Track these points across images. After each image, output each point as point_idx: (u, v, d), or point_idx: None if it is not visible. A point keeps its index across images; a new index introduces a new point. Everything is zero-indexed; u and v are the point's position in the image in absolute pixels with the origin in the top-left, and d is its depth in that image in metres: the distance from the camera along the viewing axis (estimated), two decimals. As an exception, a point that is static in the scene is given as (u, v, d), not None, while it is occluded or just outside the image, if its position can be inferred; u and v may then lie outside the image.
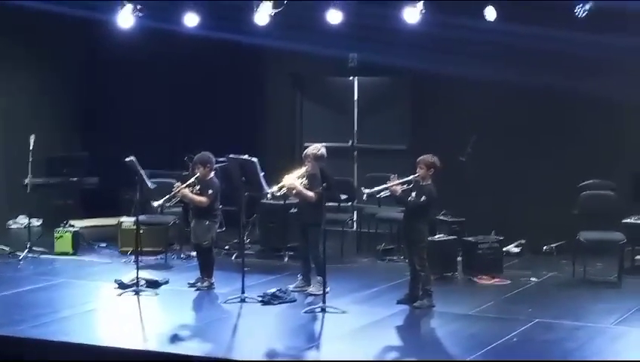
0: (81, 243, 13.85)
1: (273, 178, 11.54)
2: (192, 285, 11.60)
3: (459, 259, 12.44)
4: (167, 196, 11.59)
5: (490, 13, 12.96)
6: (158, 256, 13.33)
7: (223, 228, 13.13)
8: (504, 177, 13.86)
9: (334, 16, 13.60)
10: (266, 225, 13.74)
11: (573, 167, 13.40)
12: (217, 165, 11.78)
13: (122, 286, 11.43)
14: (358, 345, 9.47)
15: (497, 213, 13.51)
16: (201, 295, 11.37)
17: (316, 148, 11.33)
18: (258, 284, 11.54)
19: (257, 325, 10.19)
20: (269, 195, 11.90)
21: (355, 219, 14.52)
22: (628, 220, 12.30)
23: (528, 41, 12.87)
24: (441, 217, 13.18)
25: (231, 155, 11.51)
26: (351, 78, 15.92)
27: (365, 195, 10.97)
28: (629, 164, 13.13)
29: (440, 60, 13.75)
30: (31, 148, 13.40)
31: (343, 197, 13.30)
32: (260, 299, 10.84)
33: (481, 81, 13.54)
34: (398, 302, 10.77)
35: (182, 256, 13.37)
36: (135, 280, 11.31)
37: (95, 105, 16.58)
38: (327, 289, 10.72)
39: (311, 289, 11.26)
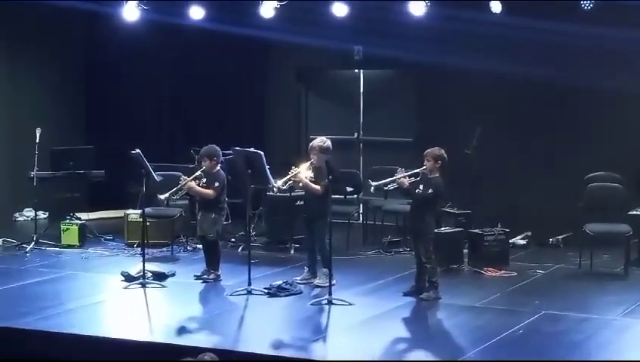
0: (88, 236, 13.86)
1: (279, 171, 11.54)
2: (198, 277, 11.60)
3: (465, 251, 12.42)
4: (174, 189, 11.58)
5: (496, 6, 12.94)
6: (165, 249, 13.33)
7: (229, 221, 13.14)
8: (510, 169, 13.86)
9: (339, 9, 13.60)
10: (272, 218, 13.73)
11: (579, 160, 13.39)
12: (223, 158, 11.78)
13: (129, 278, 11.45)
14: (364, 336, 9.48)
15: (503, 205, 13.52)
16: (208, 287, 11.37)
17: (322, 140, 11.31)
18: (264, 276, 11.55)
19: (264, 317, 10.20)
20: (274, 188, 11.91)
21: (361, 211, 14.50)
22: (634, 212, 12.26)
23: (534, 33, 12.83)
24: (447, 209, 13.16)
25: (237, 148, 11.52)
26: (356, 70, 15.90)
27: (373, 188, 10.99)
28: (634, 157, 13.11)
29: (445, 53, 13.74)
30: (37, 141, 13.46)
31: (349, 189, 13.28)
32: (267, 291, 10.84)
33: (486, 74, 13.53)
34: (405, 294, 10.77)
35: (188, 248, 13.39)
36: (141, 273, 11.33)
37: (101, 99, 16.55)
38: (334, 282, 10.73)
39: (317, 281, 11.26)
